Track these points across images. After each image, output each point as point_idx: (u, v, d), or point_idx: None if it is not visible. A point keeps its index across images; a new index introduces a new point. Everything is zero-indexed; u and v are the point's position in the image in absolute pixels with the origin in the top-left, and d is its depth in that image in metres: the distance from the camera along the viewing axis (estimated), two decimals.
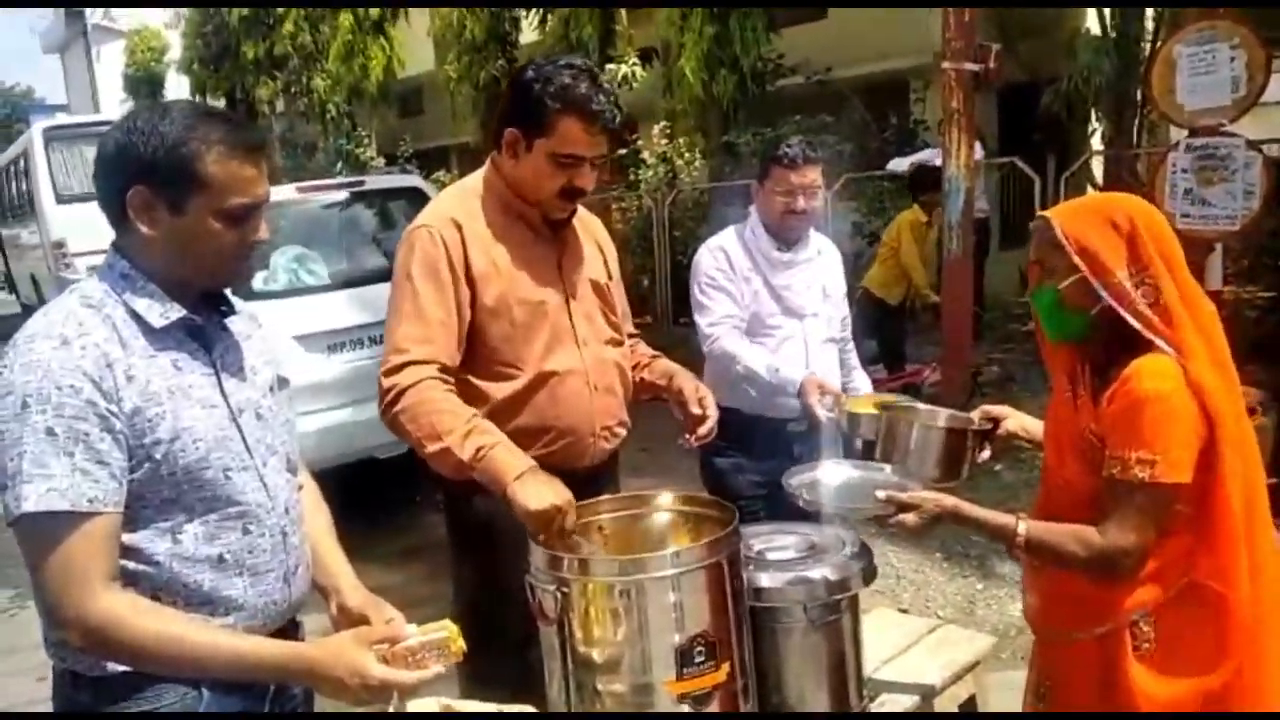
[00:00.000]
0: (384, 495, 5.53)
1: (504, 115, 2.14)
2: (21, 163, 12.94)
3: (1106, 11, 7.43)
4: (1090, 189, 6.57)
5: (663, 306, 10.54)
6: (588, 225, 2.35)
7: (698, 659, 1.68)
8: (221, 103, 20.15)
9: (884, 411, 2.28)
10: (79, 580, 1.36)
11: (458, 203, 2.18)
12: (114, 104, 26.63)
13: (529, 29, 12.54)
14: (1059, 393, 1.80)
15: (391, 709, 1.49)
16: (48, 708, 1.57)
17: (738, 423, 2.94)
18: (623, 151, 11.94)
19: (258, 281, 5.42)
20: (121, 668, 1.44)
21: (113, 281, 1.48)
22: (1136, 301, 1.61)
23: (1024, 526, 1.69)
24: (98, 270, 1.52)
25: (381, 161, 15.49)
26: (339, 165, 15.61)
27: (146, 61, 24.73)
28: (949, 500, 1.78)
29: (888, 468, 2.17)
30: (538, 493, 1.81)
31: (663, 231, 10.37)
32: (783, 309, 2.92)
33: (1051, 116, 8.07)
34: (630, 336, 2.45)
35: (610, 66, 11.41)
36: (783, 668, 2.01)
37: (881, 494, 1.84)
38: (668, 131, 11.46)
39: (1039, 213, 1.79)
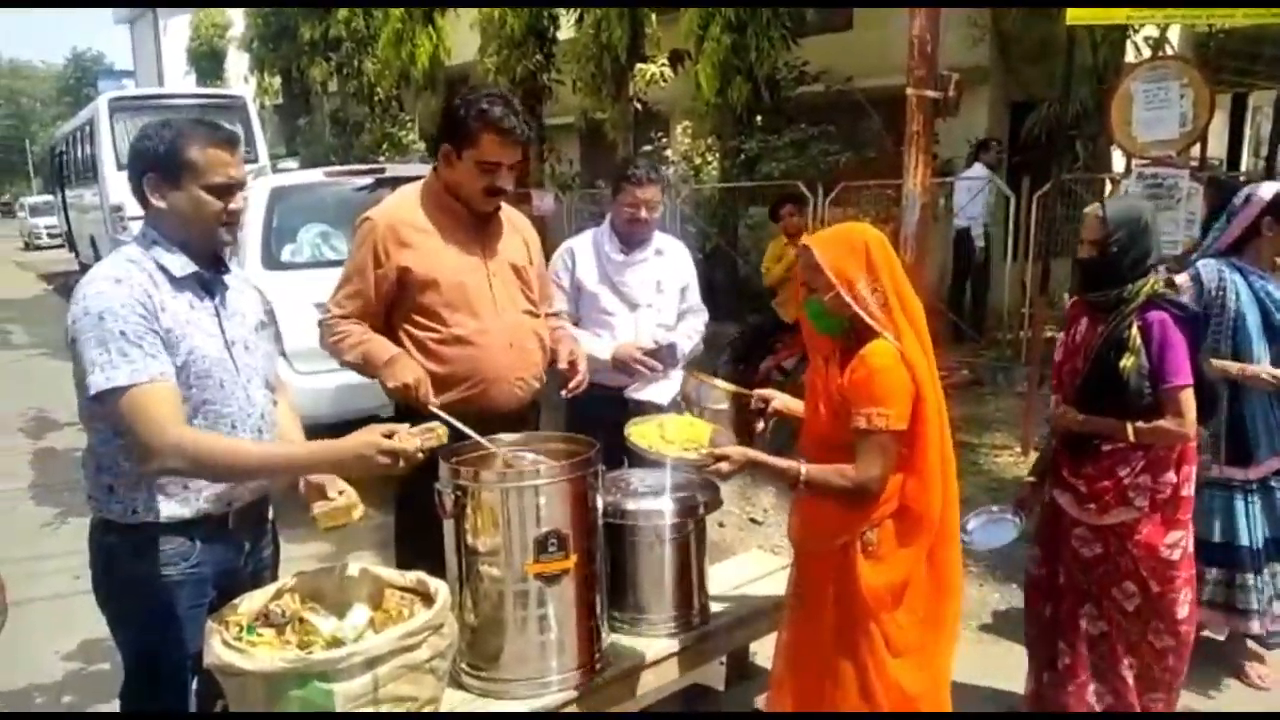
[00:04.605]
0: None
1: (440, 134, 2.78)
2: (87, 129, 13.78)
3: (1093, 43, 7.83)
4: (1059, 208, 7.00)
5: None
6: (515, 222, 2.97)
7: (550, 548, 2.28)
8: (278, 80, 20.98)
9: (694, 375, 2.87)
10: (161, 422, 1.95)
11: (402, 202, 2.82)
12: (178, 75, 27.68)
13: (566, 26, 13.08)
14: (816, 368, 2.36)
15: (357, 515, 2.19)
16: (83, 601, 2.17)
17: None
18: (648, 149, 12.53)
19: (285, 254, 6.12)
20: (143, 519, 2.06)
21: (145, 245, 2.11)
22: (870, 305, 2.18)
23: (805, 469, 2.27)
24: (135, 237, 2.15)
25: (422, 145, 16.08)
26: (384, 146, 16.27)
27: (210, 37, 25.71)
28: (752, 452, 2.34)
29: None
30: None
31: (676, 226, 10.91)
32: (620, 300, 3.49)
33: (1034, 139, 8.52)
34: (552, 314, 3.05)
35: (640, 66, 11.97)
36: (640, 571, 2.63)
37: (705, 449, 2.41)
38: (688, 131, 11.98)
39: (802, 241, 2.33)
